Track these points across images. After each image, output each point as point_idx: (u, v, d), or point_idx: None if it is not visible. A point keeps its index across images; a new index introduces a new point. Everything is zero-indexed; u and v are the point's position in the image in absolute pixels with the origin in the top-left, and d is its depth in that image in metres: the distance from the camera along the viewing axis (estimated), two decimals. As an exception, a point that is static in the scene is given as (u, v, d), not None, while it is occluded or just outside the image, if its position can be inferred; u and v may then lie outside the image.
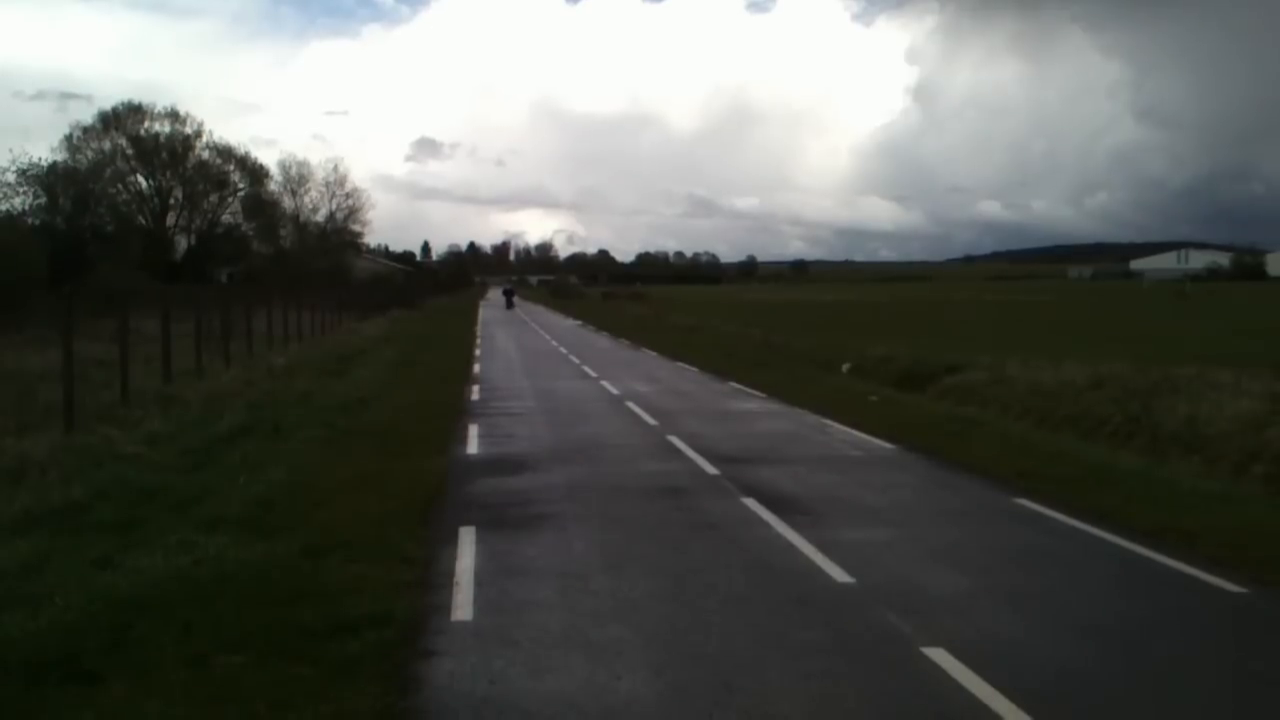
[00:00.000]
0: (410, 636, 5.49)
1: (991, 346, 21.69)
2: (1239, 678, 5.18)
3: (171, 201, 57.85)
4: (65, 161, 52.45)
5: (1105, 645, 5.56)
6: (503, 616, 5.89)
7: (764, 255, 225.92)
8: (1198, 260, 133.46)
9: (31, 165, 48.19)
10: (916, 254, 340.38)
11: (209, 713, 4.29)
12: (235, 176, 60.03)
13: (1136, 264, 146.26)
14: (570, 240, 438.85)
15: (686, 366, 23.09)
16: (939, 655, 5.26)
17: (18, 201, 47.68)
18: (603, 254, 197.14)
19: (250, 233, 62.53)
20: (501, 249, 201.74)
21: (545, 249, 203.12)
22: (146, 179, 57.10)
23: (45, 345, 14.09)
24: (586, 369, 22.51)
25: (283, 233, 65.24)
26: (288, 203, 66.62)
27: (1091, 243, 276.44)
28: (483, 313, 57.05)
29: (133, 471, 9.35)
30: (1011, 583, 6.67)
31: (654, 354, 27.11)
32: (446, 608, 6.03)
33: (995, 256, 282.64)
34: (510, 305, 65.70)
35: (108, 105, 57.73)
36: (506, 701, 4.69)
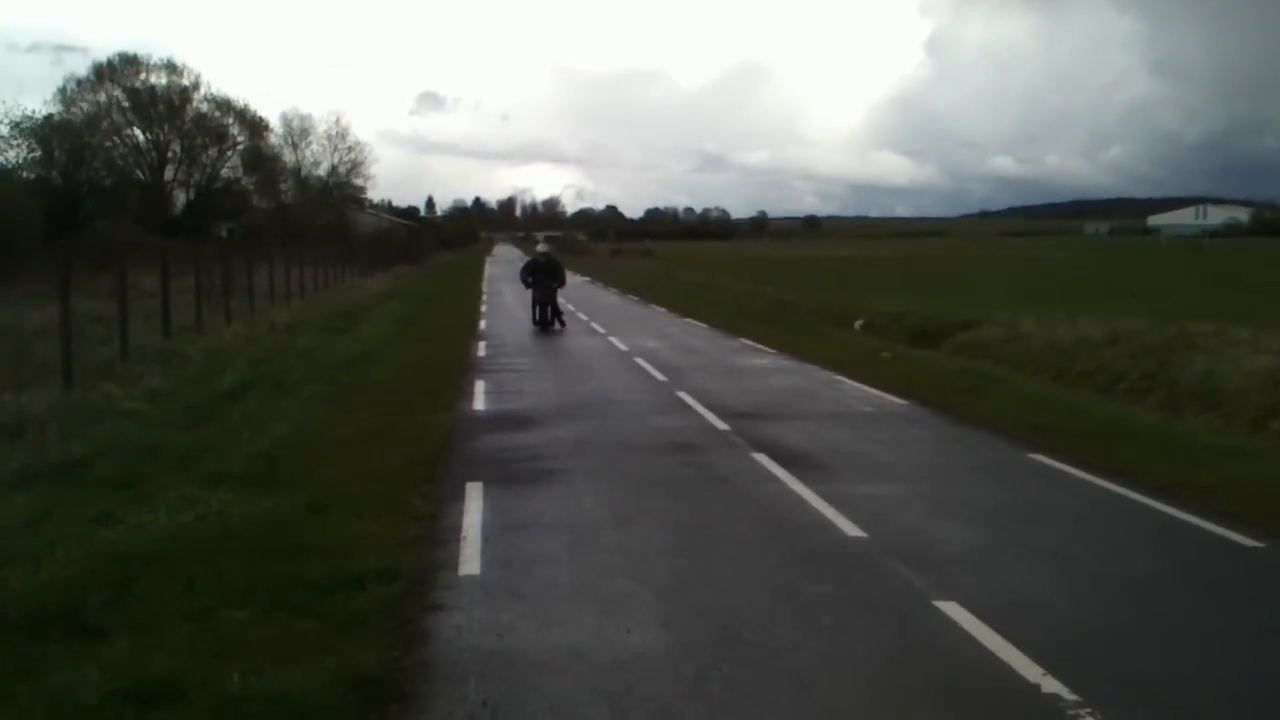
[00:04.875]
0: (417, 591, 5.50)
1: (1007, 302, 21.55)
2: (1254, 631, 5.16)
3: (169, 155, 57.52)
4: (60, 115, 52.14)
5: (1119, 599, 5.54)
6: (510, 571, 5.90)
7: (776, 211, 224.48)
8: (1216, 216, 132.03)
9: (25, 118, 47.93)
10: (931, 209, 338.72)
11: (213, 667, 4.30)
12: (235, 130, 59.60)
13: (1154, 219, 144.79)
14: (579, 196, 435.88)
15: (696, 323, 23.01)
16: (951, 609, 5.26)
17: (12, 155, 47.52)
18: (611, 210, 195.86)
19: (250, 187, 62.22)
20: (508, 205, 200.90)
21: (552, 205, 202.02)
22: (143, 132, 56.74)
23: (42, 301, 14.05)
24: (594, 325, 22.44)
25: (283, 187, 64.88)
26: (289, 156, 66.20)
27: (1108, 198, 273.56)
28: (489, 269, 56.87)
29: (133, 428, 9.37)
30: (1025, 537, 6.66)
31: (663, 310, 27.03)
32: (454, 562, 6.04)
33: (1011, 212, 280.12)
34: (546, 317, 21.44)
35: (104, 58, 57.07)
36: (515, 654, 4.70)
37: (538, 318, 21.37)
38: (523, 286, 22.38)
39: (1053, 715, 4.16)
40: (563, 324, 21.39)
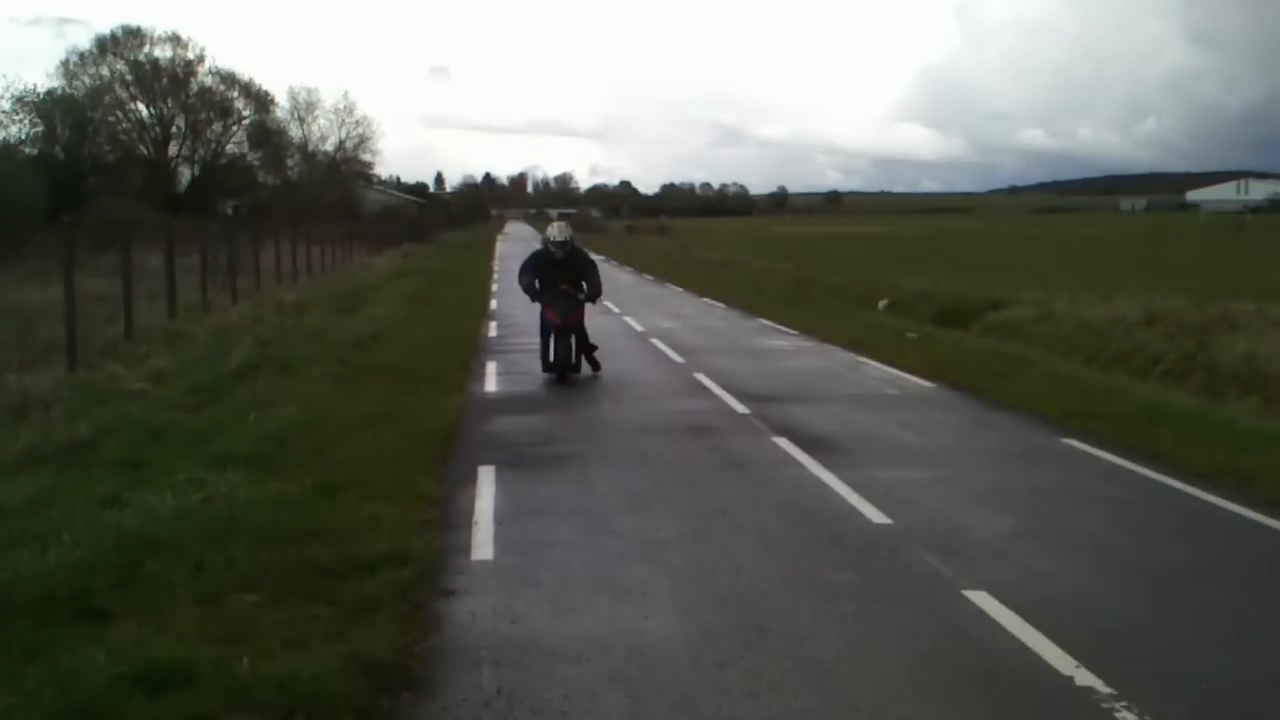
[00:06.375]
0: (429, 576, 5.53)
1: (1038, 282, 21.39)
2: (1301, 624, 5.11)
3: (173, 130, 57.79)
4: (62, 89, 52.39)
5: (1155, 589, 5.51)
6: (524, 556, 5.92)
7: (796, 186, 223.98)
8: (1258, 191, 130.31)
9: (27, 92, 48.19)
10: (959, 184, 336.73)
11: (223, 651, 4.33)
12: (240, 104, 59.76)
13: (1193, 195, 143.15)
14: (593, 171, 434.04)
15: (714, 303, 22.97)
16: (980, 598, 5.24)
17: (14, 130, 47.80)
18: (625, 185, 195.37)
19: (256, 163, 62.41)
20: (519, 180, 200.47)
21: (565, 180, 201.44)
22: (147, 106, 56.97)
23: (45, 279, 14.17)
24: (609, 305, 22.34)
25: (290, 163, 65.08)
26: (295, 131, 66.38)
27: (1144, 172, 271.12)
28: (500, 247, 56.88)
29: (139, 409, 9.44)
30: (1058, 525, 6.61)
31: (680, 290, 26.99)
32: (466, 547, 6.06)
33: (1042, 187, 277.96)
34: (566, 358, 11.96)
35: (106, 30, 57.45)
36: (530, 641, 4.72)
37: (555, 358, 11.95)
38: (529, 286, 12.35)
39: (1087, 709, 4.14)
40: (596, 366, 12.45)
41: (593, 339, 12.64)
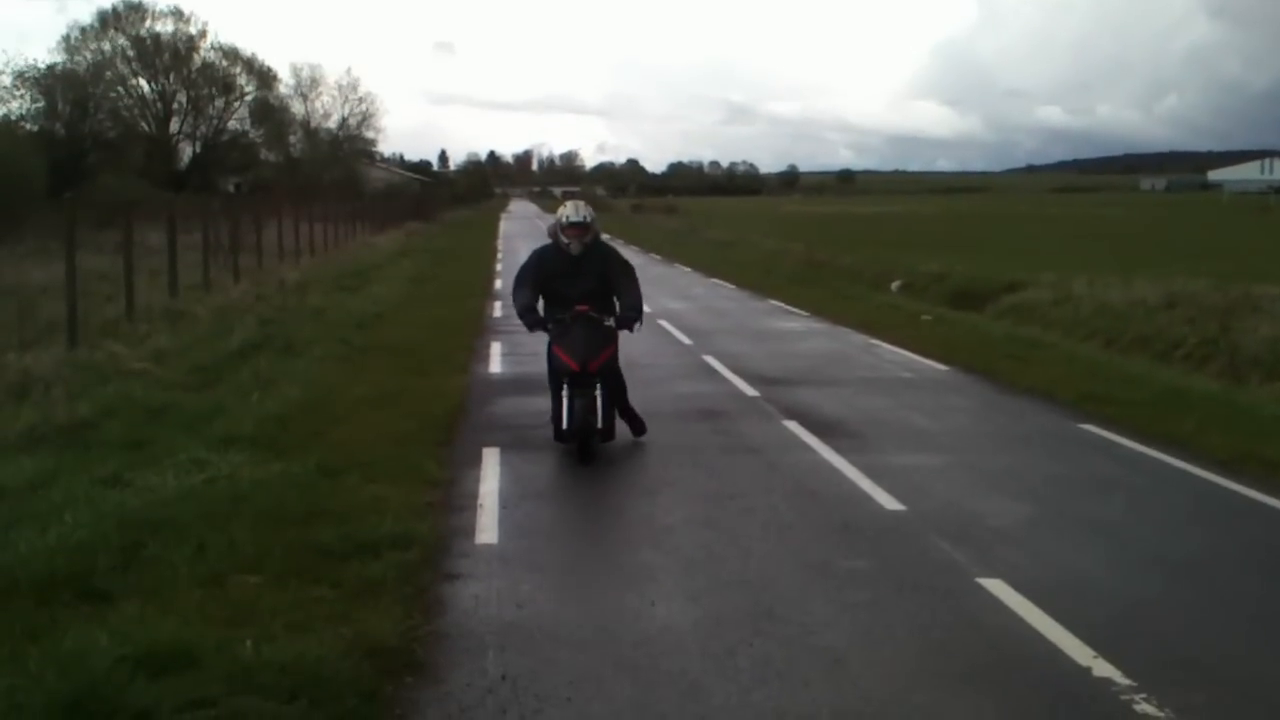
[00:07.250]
0: (433, 559, 5.53)
1: (1055, 263, 21.26)
2: (1324, 614, 5.08)
3: (175, 106, 57.77)
4: (63, 64, 52.38)
5: (1176, 578, 5.48)
6: (529, 540, 5.92)
7: (807, 165, 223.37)
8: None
9: (28, 67, 48.22)
10: (975, 163, 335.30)
11: (225, 634, 4.34)
12: (242, 80, 59.68)
13: (1215, 174, 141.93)
14: (599, 149, 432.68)
15: (723, 283, 22.92)
16: (996, 586, 5.21)
17: (15, 106, 47.87)
18: (632, 164, 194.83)
19: (258, 140, 62.37)
20: (524, 158, 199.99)
21: (570, 158, 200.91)
22: (148, 82, 56.94)
23: (46, 257, 14.18)
24: (616, 285, 22.35)
25: (292, 140, 65.04)
26: (298, 108, 66.27)
27: (1165, 151, 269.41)
28: (504, 226, 56.78)
29: (140, 388, 9.45)
30: (1076, 512, 6.58)
31: (688, 270, 26.92)
32: (470, 530, 6.06)
33: (1060, 166, 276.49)
34: (587, 426, 7.45)
35: (108, 4, 57.24)
36: (535, 626, 4.72)
37: (570, 420, 7.68)
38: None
39: (1105, 699, 4.12)
40: (639, 429, 8.34)
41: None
